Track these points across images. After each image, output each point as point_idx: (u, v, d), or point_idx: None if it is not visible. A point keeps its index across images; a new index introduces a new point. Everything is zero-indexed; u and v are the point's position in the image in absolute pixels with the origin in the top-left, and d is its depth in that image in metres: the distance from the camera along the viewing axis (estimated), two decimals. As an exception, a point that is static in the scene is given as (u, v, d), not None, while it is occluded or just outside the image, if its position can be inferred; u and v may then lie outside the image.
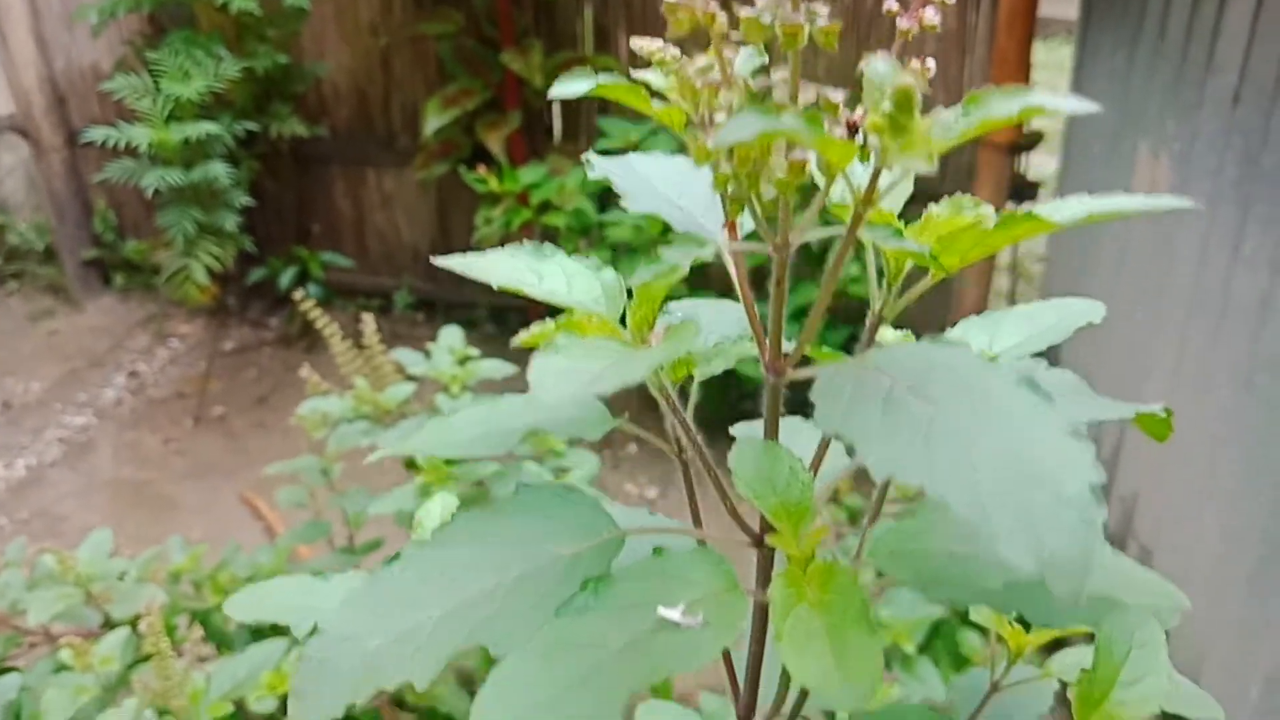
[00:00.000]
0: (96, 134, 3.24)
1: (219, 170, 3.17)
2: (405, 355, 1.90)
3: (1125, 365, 2.67)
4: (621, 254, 3.37)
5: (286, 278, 4.13)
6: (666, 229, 3.39)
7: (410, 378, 1.88)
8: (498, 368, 1.88)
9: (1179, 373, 2.27)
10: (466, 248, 2.27)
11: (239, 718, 1.73)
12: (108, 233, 4.83)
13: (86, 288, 4.97)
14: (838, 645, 0.35)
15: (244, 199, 3.42)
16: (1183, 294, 2.29)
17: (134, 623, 1.68)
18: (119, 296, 5.00)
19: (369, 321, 1.86)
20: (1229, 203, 2.09)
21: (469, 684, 1.79)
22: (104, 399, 4.24)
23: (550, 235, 3.48)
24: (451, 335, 1.92)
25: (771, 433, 0.49)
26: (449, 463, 1.70)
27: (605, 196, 3.54)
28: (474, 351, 1.89)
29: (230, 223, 3.30)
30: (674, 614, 0.37)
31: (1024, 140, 3.66)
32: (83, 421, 4.10)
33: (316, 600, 0.56)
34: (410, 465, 1.77)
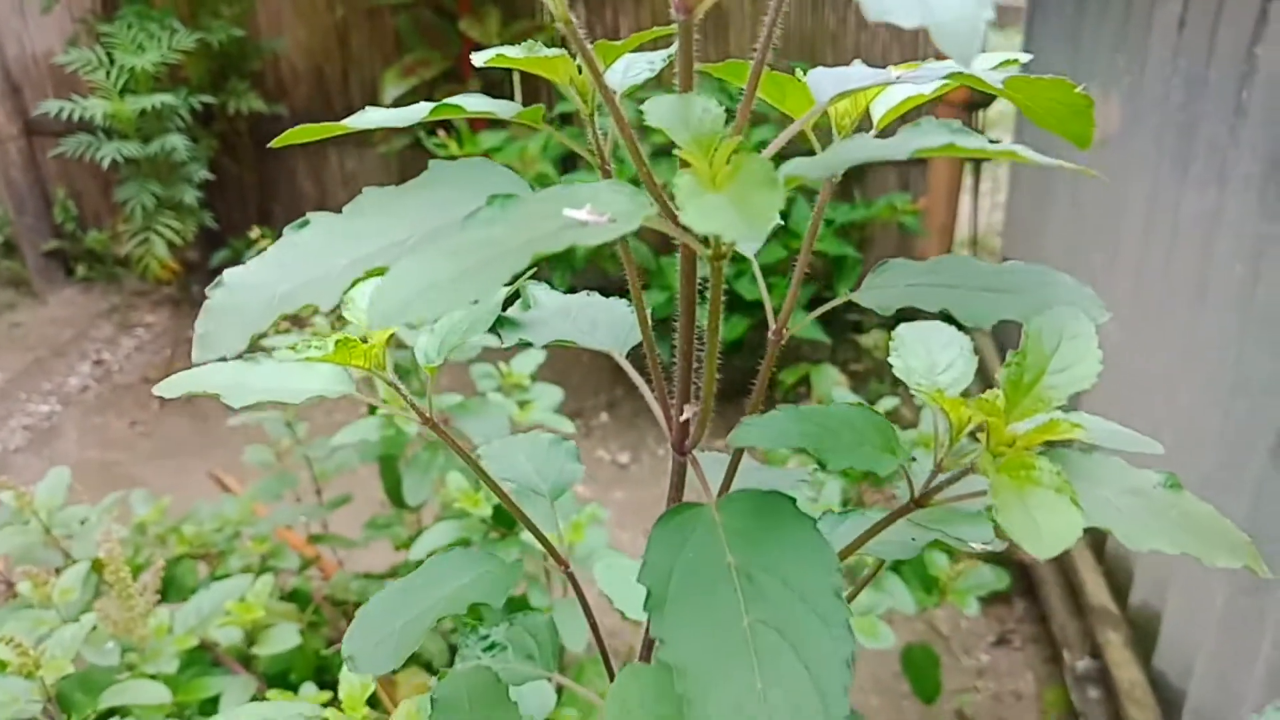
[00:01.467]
0: (51, 106, 3.20)
1: (176, 142, 3.15)
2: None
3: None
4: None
5: (248, 258, 4.10)
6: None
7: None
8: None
9: (1137, 297, 2.30)
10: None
11: (203, 655, 1.72)
12: (68, 223, 4.78)
13: (48, 279, 4.91)
14: (741, 203, 0.35)
15: (203, 173, 3.39)
16: (1136, 225, 2.33)
17: (95, 565, 1.67)
18: (81, 287, 4.95)
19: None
20: (1175, 127, 2.12)
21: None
22: (69, 386, 4.20)
23: (513, 199, 3.47)
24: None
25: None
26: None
27: (568, 160, 3.55)
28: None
29: (189, 196, 3.27)
30: (580, 214, 0.37)
31: (979, 98, 3.69)
32: (47, 409, 4.05)
33: (250, 378, 0.56)
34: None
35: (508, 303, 0.66)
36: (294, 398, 0.57)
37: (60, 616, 1.49)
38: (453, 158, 2.79)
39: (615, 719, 0.43)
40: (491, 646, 0.66)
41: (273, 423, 2.20)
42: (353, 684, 0.88)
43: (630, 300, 0.62)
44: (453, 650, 1.99)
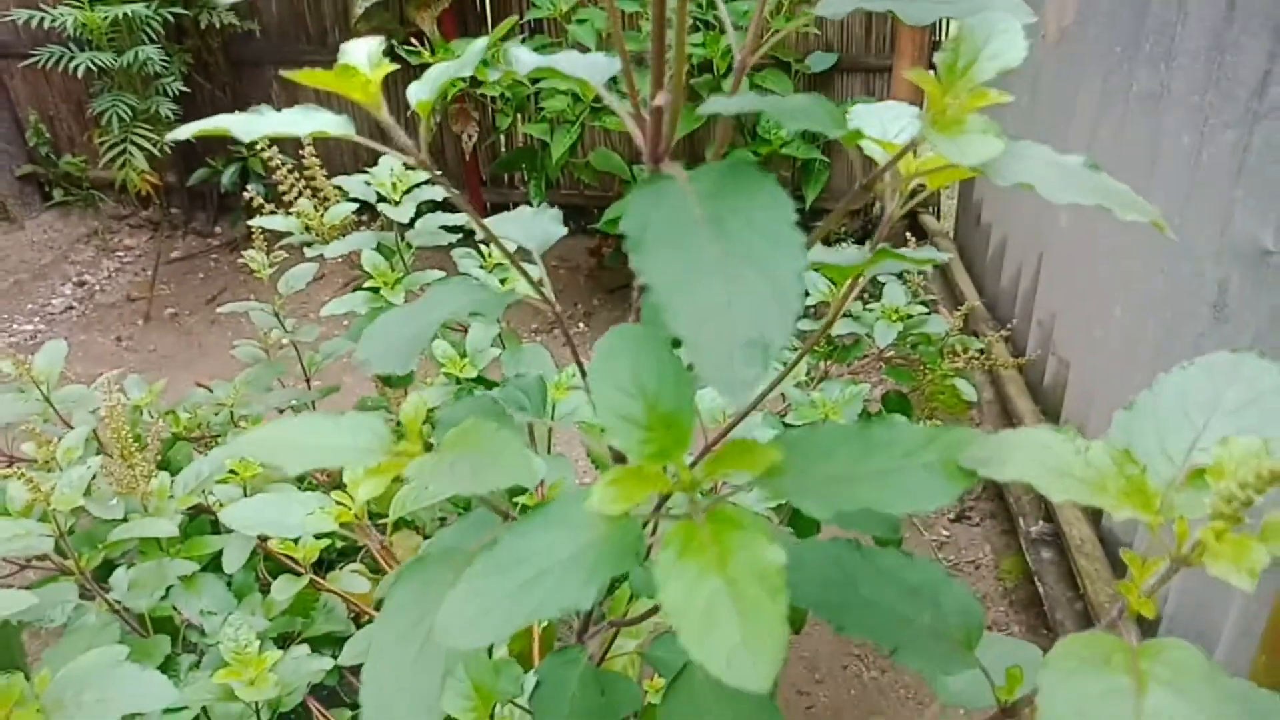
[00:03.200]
0: (21, 13, 3.19)
1: (150, 53, 3.15)
2: (347, 181, 1.95)
3: (1039, 203, 2.78)
4: (557, 125, 3.41)
5: (228, 176, 4.12)
6: (600, 99, 3.44)
7: (352, 199, 1.93)
8: (436, 190, 1.94)
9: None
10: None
11: (203, 522, 1.81)
12: (41, 146, 4.76)
13: (25, 204, 4.91)
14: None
15: (178, 85, 3.40)
16: (1090, 108, 2.40)
17: (95, 436, 1.75)
18: (59, 212, 4.94)
19: (308, 142, 1.91)
20: (1129, 8, 2.19)
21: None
22: (52, 306, 4.23)
23: (485, 106, 3.51)
24: (390, 161, 1.97)
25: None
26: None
27: (541, 68, 3.57)
28: (417, 176, 1.94)
29: (165, 108, 3.29)
30: None
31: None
32: (31, 328, 4.09)
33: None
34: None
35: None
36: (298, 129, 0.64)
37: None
38: (425, 65, 2.81)
39: (599, 371, 0.51)
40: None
41: (261, 314, 2.27)
42: (355, 474, 0.96)
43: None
44: (443, 520, 2.09)
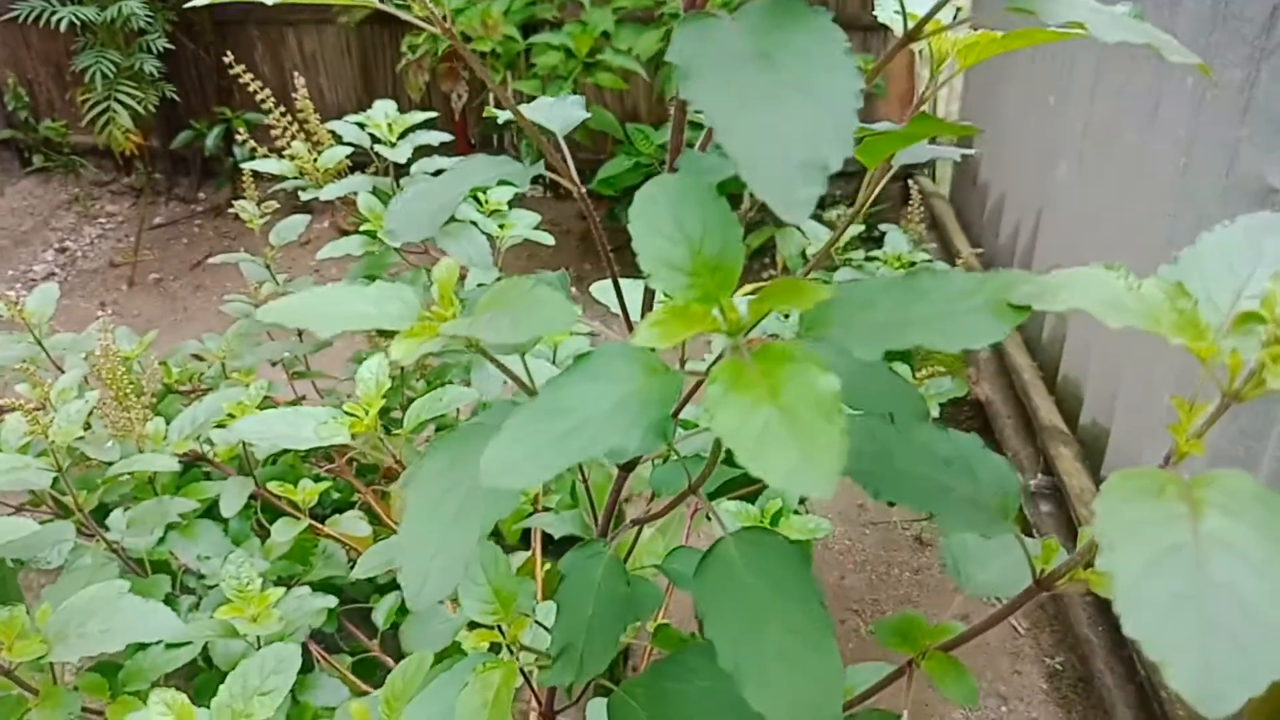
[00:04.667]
0: (0, -33, 3.13)
1: (134, 7, 3.10)
2: (340, 126, 1.91)
3: (1039, 158, 2.78)
4: (549, 81, 3.38)
5: (212, 138, 4.07)
6: (594, 51, 3.40)
7: (345, 143, 1.89)
8: (431, 136, 1.90)
9: (1089, 130, 2.37)
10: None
11: (198, 471, 1.79)
12: (21, 110, 4.68)
13: (5, 170, 4.83)
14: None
15: (162, 42, 3.34)
16: (1091, 62, 2.39)
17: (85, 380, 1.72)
18: (39, 179, 4.87)
19: (300, 85, 1.88)
20: None
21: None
22: (34, 273, 4.18)
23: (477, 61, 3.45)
24: (385, 104, 1.94)
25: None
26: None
27: (529, 26, 3.53)
28: (413, 116, 1.90)
29: (149, 65, 3.23)
30: None
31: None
32: (13, 294, 4.01)
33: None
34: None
35: None
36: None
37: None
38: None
39: (639, 217, 0.49)
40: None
41: (252, 266, 2.23)
42: (369, 390, 0.94)
43: None
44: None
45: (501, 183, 0.57)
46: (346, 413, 0.85)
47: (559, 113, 0.71)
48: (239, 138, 4.12)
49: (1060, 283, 0.46)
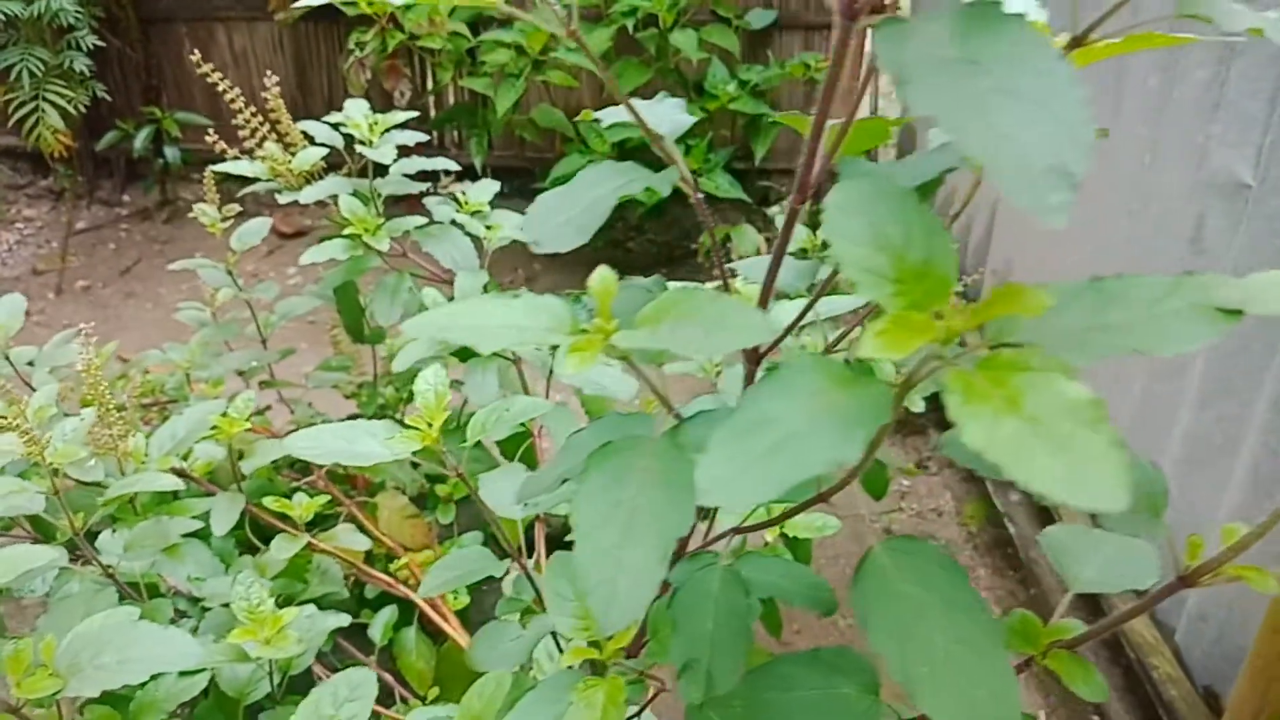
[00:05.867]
0: (-82, -40, 2.95)
1: (62, 3, 2.95)
2: (313, 126, 1.86)
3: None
4: (499, 80, 3.33)
5: (140, 140, 3.91)
6: (545, 50, 3.36)
7: (319, 144, 1.84)
8: (410, 136, 1.86)
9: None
10: (328, 105, 2.15)
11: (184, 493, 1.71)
12: (-74, 112, 4.43)
13: (-91, 174, 4.57)
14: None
15: (92, 39, 3.20)
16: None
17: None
18: (-52, 183, 4.62)
19: (272, 84, 1.81)
20: None
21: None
22: (-50, 282, 3.96)
23: (425, 58, 3.40)
24: (358, 105, 1.89)
25: None
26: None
27: (478, 22, 3.48)
28: (395, 116, 1.85)
29: (80, 63, 3.09)
30: None
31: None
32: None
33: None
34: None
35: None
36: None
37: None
38: (364, 16, 2.67)
39: (834, 227, 0.48)
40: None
41: (211, 271, 2.15)
42: (429, 401, 0.91)
43: None
44: (429, 479, 2.03)
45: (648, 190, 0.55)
46: (408, 426, 0.82)
47: (665, 115, 0.70)
48: (168, 137, 3.97)
49: (1262, 287, 0.46)
